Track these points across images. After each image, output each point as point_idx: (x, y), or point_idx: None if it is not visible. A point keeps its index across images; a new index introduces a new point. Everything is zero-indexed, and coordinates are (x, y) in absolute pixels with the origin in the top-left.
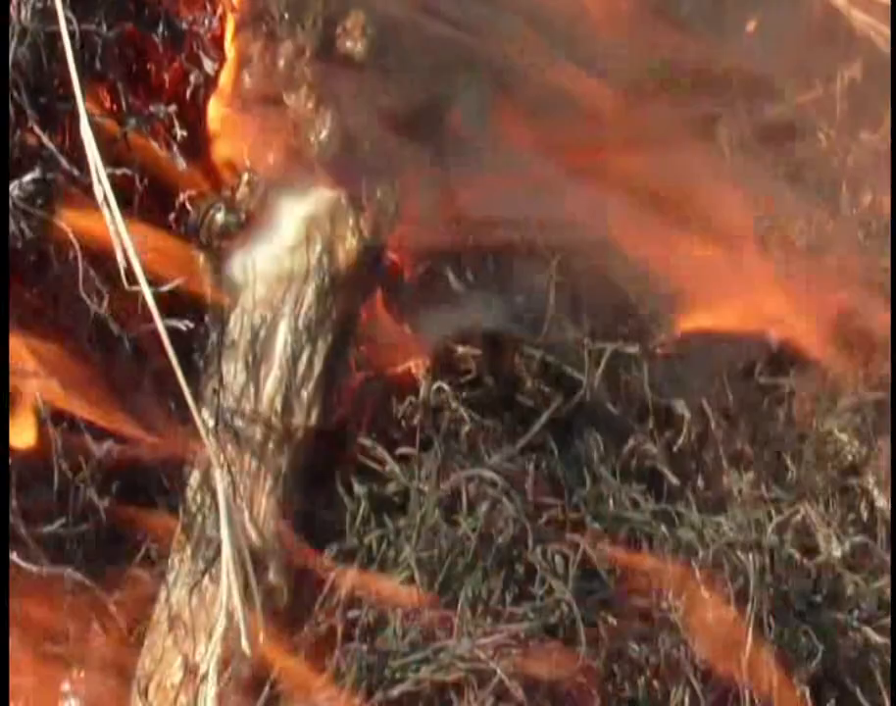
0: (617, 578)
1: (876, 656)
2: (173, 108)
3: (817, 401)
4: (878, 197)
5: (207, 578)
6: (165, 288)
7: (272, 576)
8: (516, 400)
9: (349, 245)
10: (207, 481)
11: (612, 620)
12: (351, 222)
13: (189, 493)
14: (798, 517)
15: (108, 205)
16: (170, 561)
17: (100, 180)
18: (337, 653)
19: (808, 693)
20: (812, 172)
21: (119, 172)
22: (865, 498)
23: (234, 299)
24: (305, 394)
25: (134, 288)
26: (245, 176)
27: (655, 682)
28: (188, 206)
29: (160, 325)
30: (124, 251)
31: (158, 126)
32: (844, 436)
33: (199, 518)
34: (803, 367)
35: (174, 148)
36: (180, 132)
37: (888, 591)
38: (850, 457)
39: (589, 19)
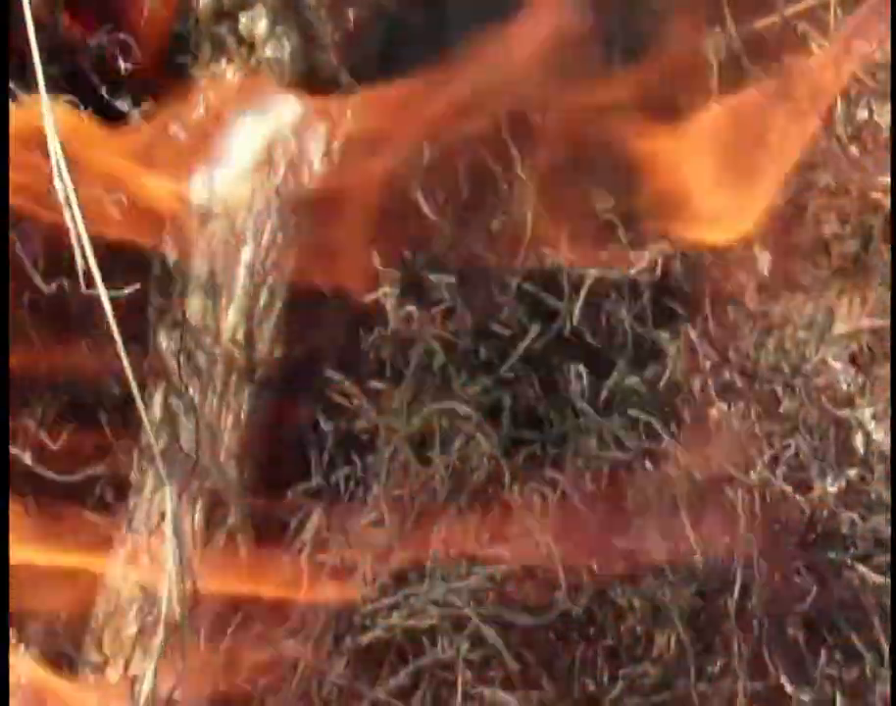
0: (599, 517)
1: (873, 596)
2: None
3: (809, 329)
4: (874, 114)
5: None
6: (124, 293)
7: (233, 518)
8: (491, 330)
9: (316, 166)
10: (167, 415)
11: (593, 562)
12: (318, 140)
13: (147, 431)
14: (790, 451)
15: (69, 205)
16: (127, 504)
17: (61, 178)
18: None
19: (801, 636)
20: (805, 86)
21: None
22: (861, 431)
23: (196, 222)
24: (267, 326)
25: (91, 291)
26: (201, 95)
27: (639, 628)
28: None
29: (115, 330)
30: (84, 254)
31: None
32: (839, 366)
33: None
34: (795, 293)
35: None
36: (125, 66)
37: (885, 528)
38: (845, 388)
39: None
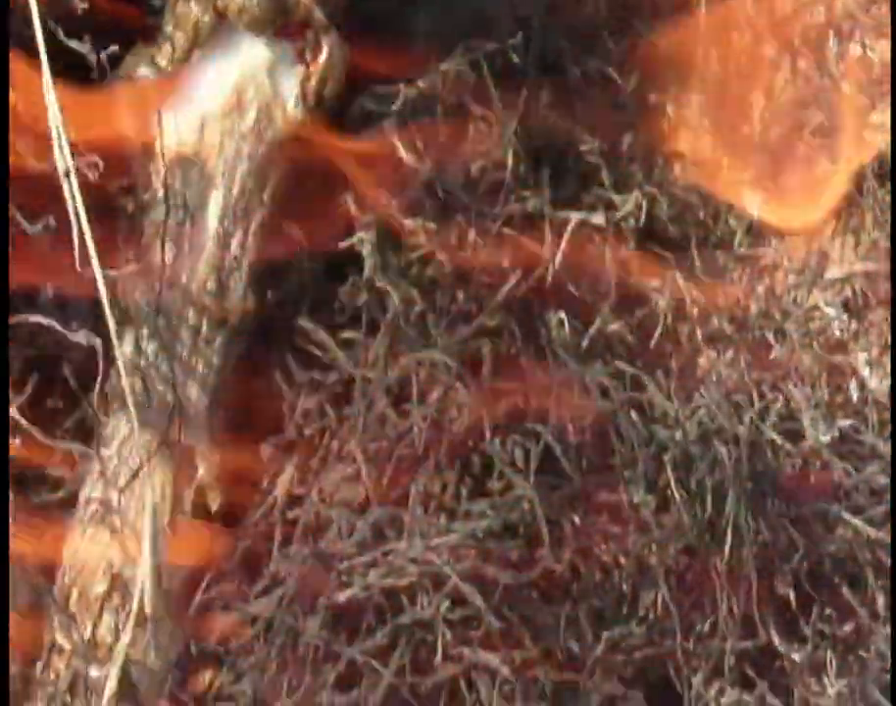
0: (582, 471)
1: (867, 550)
2: None
3: (801, 273)
4: (867, 50)
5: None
6: (118, 272)
7: (203, 474)
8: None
9: (290, 109)
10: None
11: (577, 518)
12: (294, 82)
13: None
14: (781, 400)
15: (68, 178)
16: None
17: (62, 151)
18: (276, 557)
19: (791, 592)
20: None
21: None
22: (854, 378)
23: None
24: (239, 275)
25: (86, 270)
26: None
27: (624, 586)
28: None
29: (106, 306)
30: (81, 231)
31: None
32: (832, 311)
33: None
34: (786, 236)
35: None
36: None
37: (880, 479)
38: (838, 334)
39: None
